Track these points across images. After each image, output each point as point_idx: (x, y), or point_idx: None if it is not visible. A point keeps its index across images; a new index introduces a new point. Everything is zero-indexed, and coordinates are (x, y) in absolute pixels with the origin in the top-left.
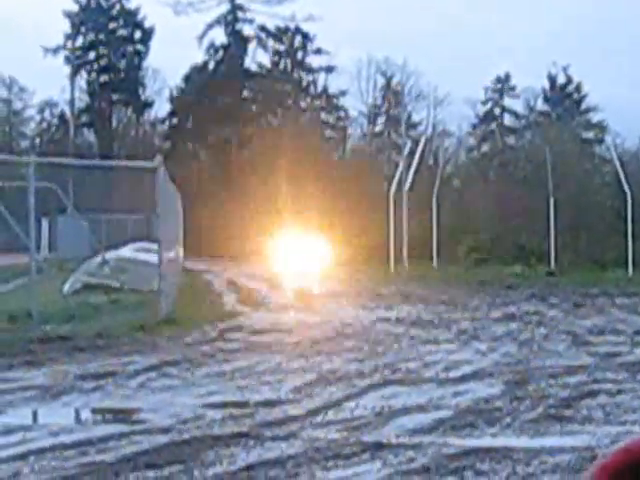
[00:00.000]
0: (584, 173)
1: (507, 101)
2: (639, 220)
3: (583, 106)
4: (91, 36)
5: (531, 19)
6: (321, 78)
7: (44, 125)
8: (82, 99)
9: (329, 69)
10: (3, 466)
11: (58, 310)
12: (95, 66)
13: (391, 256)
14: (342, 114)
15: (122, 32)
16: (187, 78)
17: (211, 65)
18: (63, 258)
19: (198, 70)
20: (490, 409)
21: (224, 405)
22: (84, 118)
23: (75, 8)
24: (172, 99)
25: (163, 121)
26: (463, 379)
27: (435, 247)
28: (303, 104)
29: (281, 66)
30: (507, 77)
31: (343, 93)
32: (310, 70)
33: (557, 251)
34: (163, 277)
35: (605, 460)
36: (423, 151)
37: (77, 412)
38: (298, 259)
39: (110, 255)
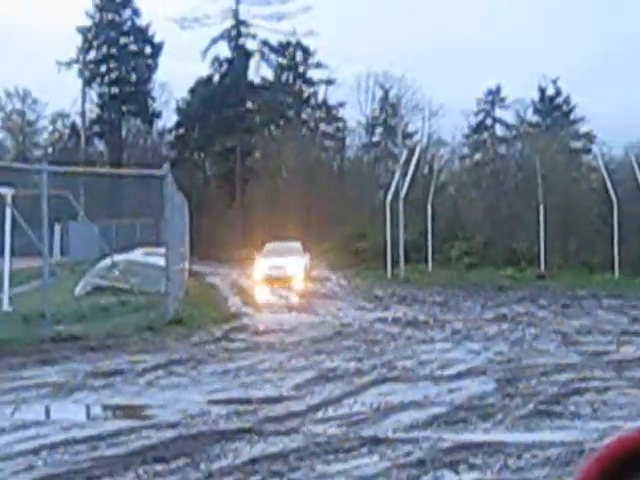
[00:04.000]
0: (572, 181)
1: (498, 112)
2: (625, 225)
3: (571, 117)
4: (103, 50)
5: (521, 33)
6: (321, 90)
7: (56, 135)
8: (93, 110)
9: (329, 82)
10: (18, 459)
11: (70, 311)
12: (106, 79)
13: (388, 260)
14: (341, 125)
15: (133, 47)
16: (193, 90)
17: (216, 78)
18: (75, 261)
19: (203, 83)
20: (483, 405)
21: (229, 402)
22: (95, 128)
23: (88, 23)
24: (179, 110)
25: (170, 131)
26: (457, 377)
27: (430, 252)
28: (304, 115)
29: (283, 79)
30: (498, 89)
31: (342, 105)
32: (311, 83)
33: (547, 255)
34: (170, 279)
35: (598, 453)
36: (418, 160)
37: (88, 408)
38: (299, 263)
39: (119, 258)
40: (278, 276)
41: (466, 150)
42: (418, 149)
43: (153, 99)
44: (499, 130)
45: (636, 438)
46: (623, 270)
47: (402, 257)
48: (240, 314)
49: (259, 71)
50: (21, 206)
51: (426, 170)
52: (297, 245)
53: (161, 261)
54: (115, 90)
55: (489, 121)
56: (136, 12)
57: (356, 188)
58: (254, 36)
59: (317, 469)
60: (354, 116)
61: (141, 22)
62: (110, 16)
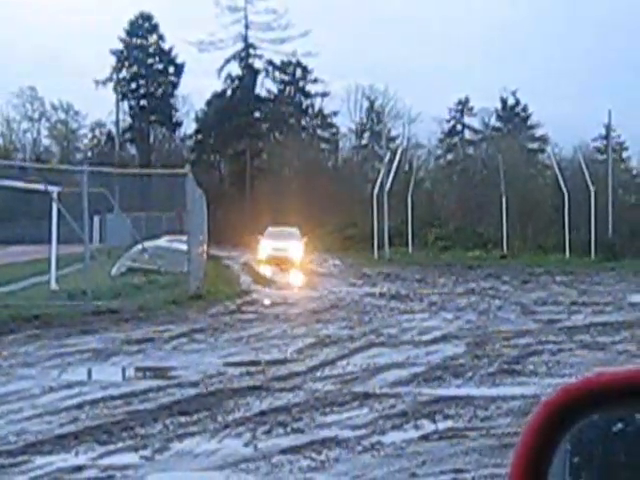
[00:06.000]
0: (529, 176)
1: (467, 119)
2: (574, 214)
3: (529, 122)
4: (133, 70)
5: (486, 51)
6: (317, 102)
7: (95, 141)
8: (125, 120)
9: (324, 94)
10: (64, 414)
11: (107, 289)
12: (136, 94)
13: (375, 244)
14: (334, 130)
15: (158, 67)
16: (209, 103)
17: (229, 92)
18: (111, 247)
19: (218, 96)
20: (455, 365)
21: (241, 364)
22: (127, 135)
23: (120, 46)
24: (197, 119)
25: (190, 137)
26: (434, 341)
27: (410, 236)
28: (303, 123)
29: (285, 92)
30: (467, 100)
31: (335, 113)
32: (308, 95)
33: (508, 238)
34: (191, 262)
35: (546, 399)
36: (400, 160)
37: (123, 370)
38: (299, 247)
39: (149, 244)
40: (278, 256)
41: (440, 151)
42: (399, 150)
43: (176, 110)
44: (468, 134)
45: (578, 387)
46: (573, 251)
47: (387, 241)
48: (250, 290)
49: (265, 86)
50: (65, 201)
51: (406, 168)
52: (295, 230)
53: (183, 246)
54: (144, 103)
55: (459, 127)
56: (161, 37)
57: (347, 183)
58: (261, 57)
59: (316, 420)
60: (345, 123)
61: (165, 46)
62: (139, 41)
